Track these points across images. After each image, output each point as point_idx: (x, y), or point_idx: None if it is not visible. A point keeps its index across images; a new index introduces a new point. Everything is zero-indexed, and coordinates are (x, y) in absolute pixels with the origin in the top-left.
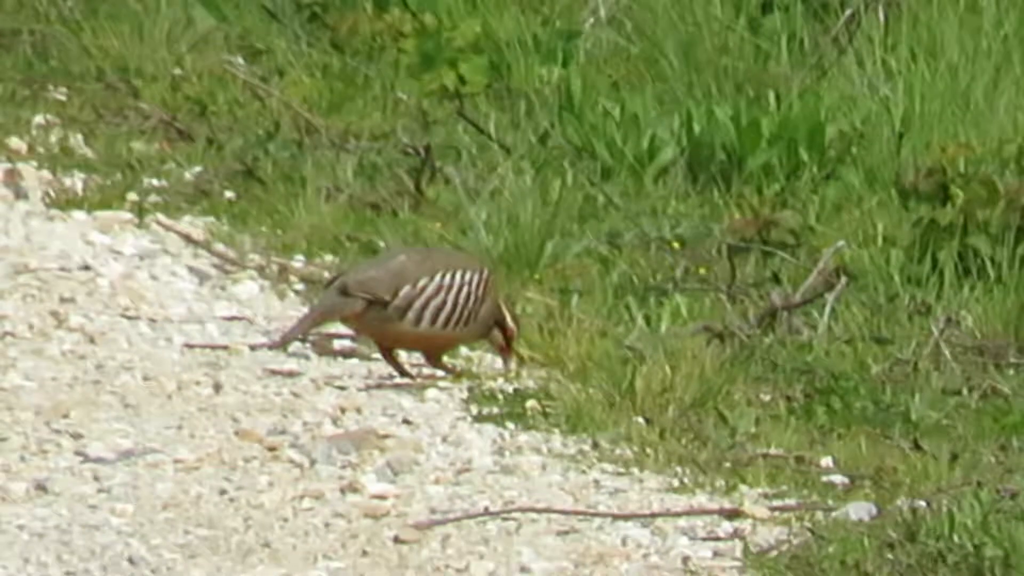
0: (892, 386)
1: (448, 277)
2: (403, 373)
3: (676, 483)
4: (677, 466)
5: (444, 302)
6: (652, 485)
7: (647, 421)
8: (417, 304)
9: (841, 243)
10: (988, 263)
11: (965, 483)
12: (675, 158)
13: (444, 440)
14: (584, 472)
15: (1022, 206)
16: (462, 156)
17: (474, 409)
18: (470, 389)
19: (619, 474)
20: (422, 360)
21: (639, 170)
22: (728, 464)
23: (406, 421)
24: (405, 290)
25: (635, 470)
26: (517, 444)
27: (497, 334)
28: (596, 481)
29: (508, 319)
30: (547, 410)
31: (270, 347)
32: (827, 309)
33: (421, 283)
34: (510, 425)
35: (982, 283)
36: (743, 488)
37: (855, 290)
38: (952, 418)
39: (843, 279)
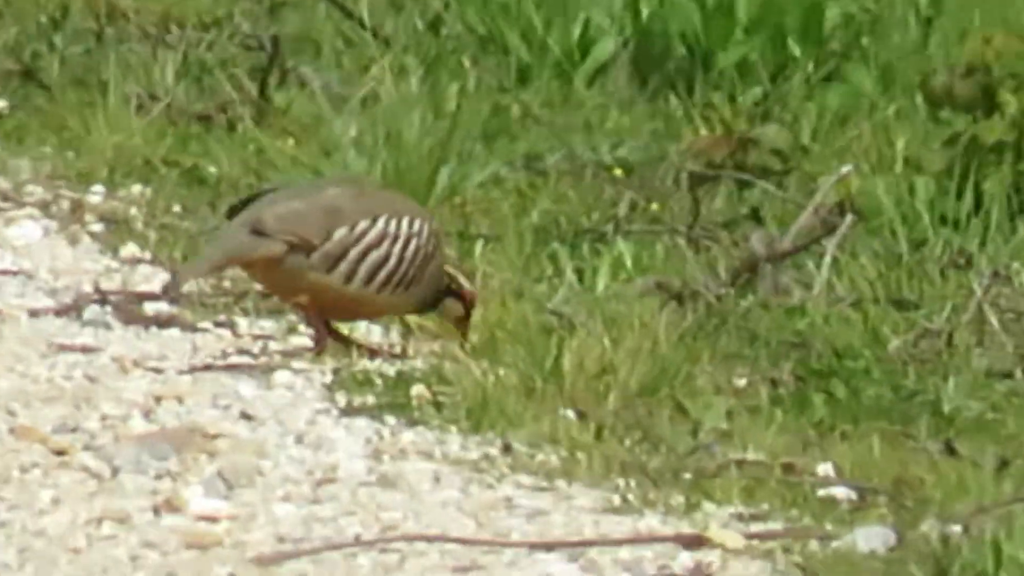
0: (917, 367)
1: (394, 224)
2: (351, 344)
3: (617, 500)
4: (619, 477)
5: (387, 255)
6: (584, 503)
7: (579, 415)
8: (353, 254)
9: (847, 168)
10: None
11: (1016, 499)
12: (616, 52)
13: (298, 441)
14: (491, 486)
15: None
16: (322, 50)
17: (340, 398)
18: (335, 371)
19: (539, 489)
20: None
21: (567, 69)
22: (688, 474)
23: (245, 415)
24: (340, 233)
25: (561, 483)
26: (400, 446)
27: (453, 304)
28: (508, 498)
29: (463, 281)
30: (440, 399)
31: (169, 298)
32: (826, 260)
33: (360, 227)
34: (390, 420)
35: None
36: (709, 507)
37: (865, 234)
38: (999, 410)
39: (849, 218)
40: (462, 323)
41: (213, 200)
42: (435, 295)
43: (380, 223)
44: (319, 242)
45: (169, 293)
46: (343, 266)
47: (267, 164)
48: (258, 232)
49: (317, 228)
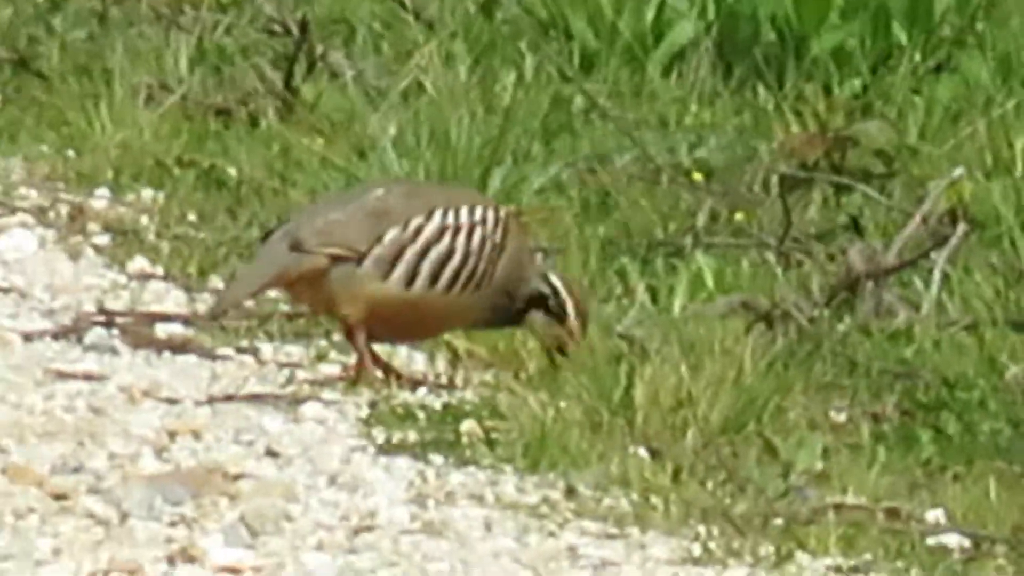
0: None
1: (452, 215)
2: (395, 375)
3: (697, 550)
4: (699, 524)
5: (450, 250)
6: (659, 553)
7: (652, 453)
8: (410, 254)
9: (959, 171)
10: None
11: None
12: (697, 37)
13: (331, 482)
14: (552, 534)
15: None
16: (357, 35)
17: (378, 434)
18: (371, 403)
19: (608, 537)
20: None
21: (639, 56)
22: (779, 521)
23: (271, 452)
24: (392, 234)
25: (633, 530)
26: (447, 489)
27: (545, 320)
28: (571, 548)
29: (559, 285)
30: (494, 436)
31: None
32: (936, 276)
33: (415, 223)
34: (436, 459)
35: None
36: (802, 558)
37: (981, 246)
38: None
39: (961, 228)
40: (562, 342)
41: (233, 206)
42: (516, 303)
43: (437, 216)
44: (367, 248)
45: (213, 318)
46: (400, 268)
47: (293, 165)
48: (297, 249)
49: (362, 234)
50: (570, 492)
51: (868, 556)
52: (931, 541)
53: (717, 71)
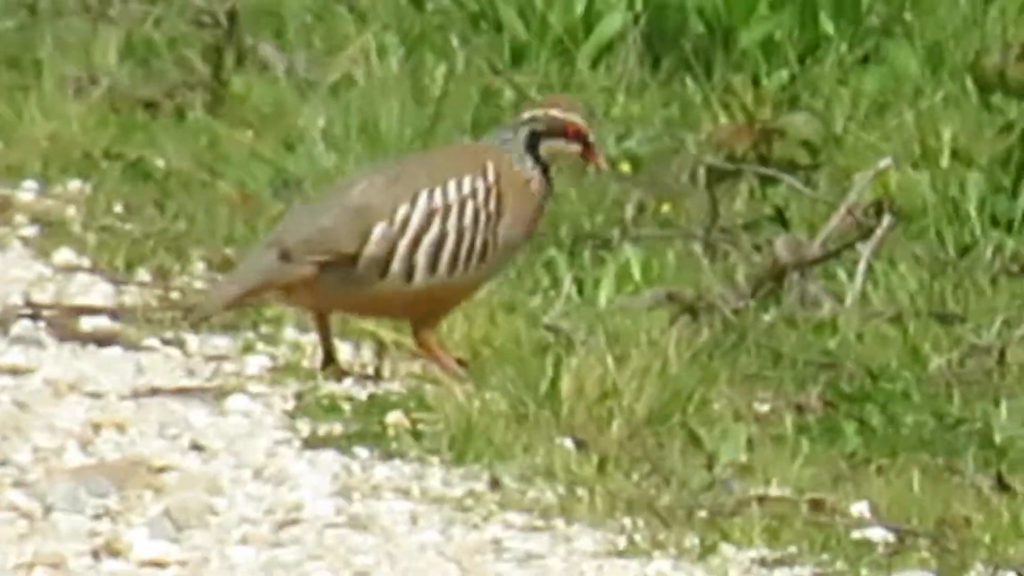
0: (963, 390)
1: (439, 195)
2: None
3: (622, 542)
4: (624, 516)
5: (442, 233)
6: (585, 546)
7: (578, 445)
8: (402, 248)
9: (886, 161)
10: None
11: None
12: (625, 29)
13: (256, 475)
14: (477, 527)
15: None
16: (287, 27)
17: (304, 427)
18: (297, 395)
19: (533, 529)
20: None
21: (569, 48)
22: (703, 513)
23: (196, 446)
24: (378, 231)
25: (558, 522)
26: (372, 482)
27: (558, 145)
28: (496, 541)
29: (562, 118)
30: (420, 428)
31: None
32: (861, 268)
33: (401, 214)
34: (361, 452)
35: None
36: (727, 550)
37: (906, 237)
38: None
39: (887, 220)
40: (589, 153)
41: (160, 198)
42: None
43: (422, 201)
44: (356, 249)
45: (191, 321)
46: (396, 265)
47: (221, 158)
48: (286, 259)
49: (348, 236)
50: (495, 484)
51: (792, 548)
52: (855, 534)
53: (645, 63)
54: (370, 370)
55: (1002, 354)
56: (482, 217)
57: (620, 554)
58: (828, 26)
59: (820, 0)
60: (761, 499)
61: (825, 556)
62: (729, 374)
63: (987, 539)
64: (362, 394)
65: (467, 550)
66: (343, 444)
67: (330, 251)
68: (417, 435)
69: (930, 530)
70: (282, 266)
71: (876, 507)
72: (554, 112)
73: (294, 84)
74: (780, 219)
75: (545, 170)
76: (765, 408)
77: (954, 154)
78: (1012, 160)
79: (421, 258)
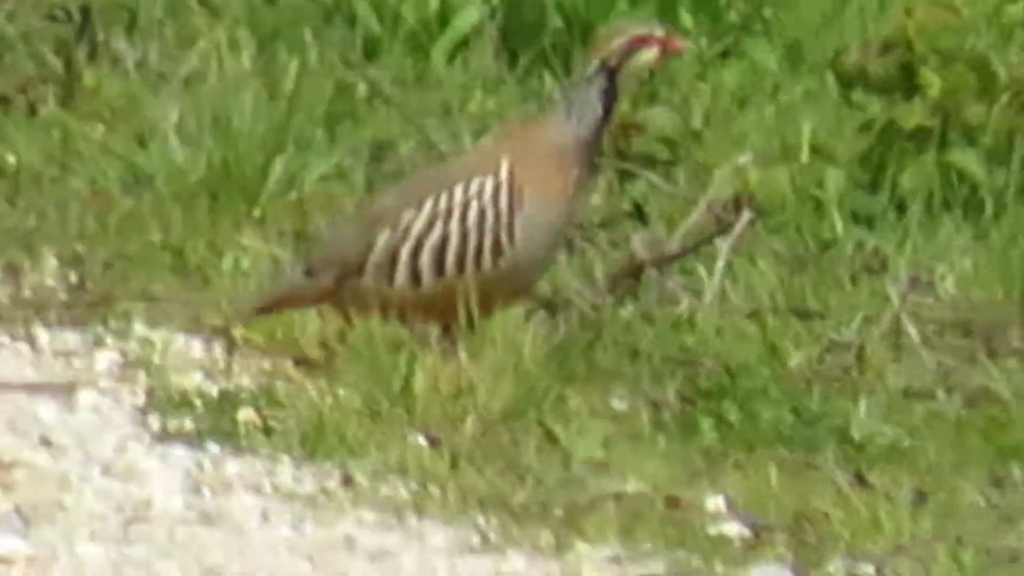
0: (822, 386)
1: (444, 199)
2: None
3: (476, 539)
4: (478, 513)
5: (444, 236)
6: (438, 542)
7: (431, 442)
8: (404, 254)
9: (745, 158)
10: (981, 191)
11: (937, 538)
12: (482, 23)
13: (106, 471)
14: (329, 523)
15: None
16: (139, 21)
17: (154, 422)
18: (148, 391)
19: (385, 526)
20: None
21: (424, 43)
22: (559, 509)
23: (45, 442)
24: (383, 238)
25: (411, 519)
26: (223, 478)
27: (641, 60)
28: (349, 537)
29: (624, 40)
30: (271, 424)
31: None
32: (720, 264)
33: (405, 220)
34: (212, 448)
35: (970, 223)
36: (582, 547)
37: (766, 233)
38: (917, 436)
39: (746, 215)
40: (668, 47)
41: (11, 194)
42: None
43: (427, 206)
44: (361, 258)
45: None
46: (401, 269)
47: (74, 153)
48: (310, 275)
49: (357, 245)
50: (347, 481)
51: (648, 544)
52: (711, 529)
53: (502, 57)
54: (220, 366)
55: (861, 350)
56: (489, 215)
57: (473, 551)
58: (687, 21)
59: None
60: (617, 496)
61: (681, 552)
62: (585, 371)
63: (845, 534)
64: (213, 390)
65: (319, 546)
66: (194, 440)
67: (341, 263)
68: (269, 431)
69: (787, 524)
70: (305, 280)
71: (732, 502)
72: (616, 42)
73: (146, 79)
74: (639, 214)
75: (608, 114)
76: (621, 405)
77: (814, 150)
78: (872, 156)
79: (424, 262)
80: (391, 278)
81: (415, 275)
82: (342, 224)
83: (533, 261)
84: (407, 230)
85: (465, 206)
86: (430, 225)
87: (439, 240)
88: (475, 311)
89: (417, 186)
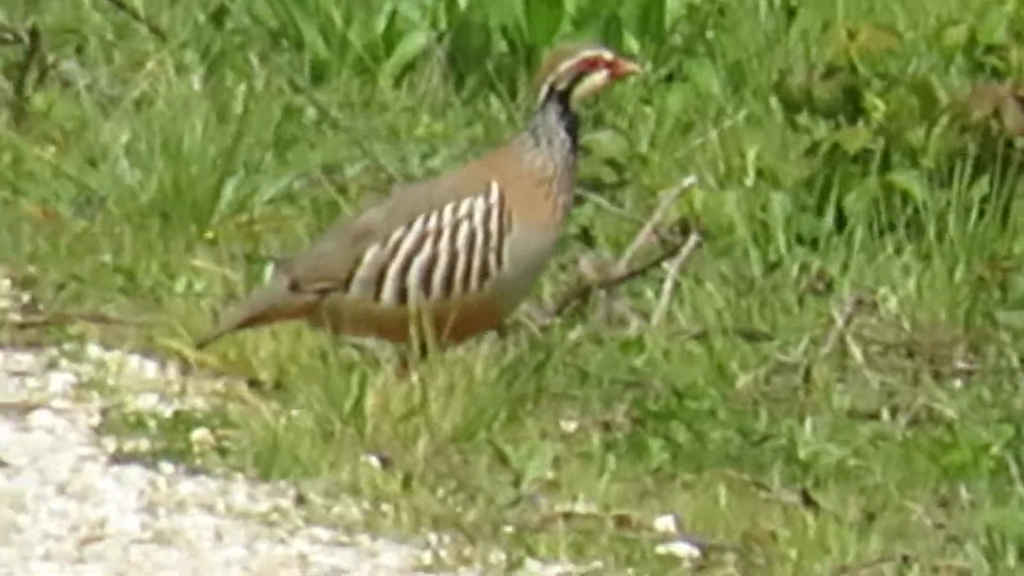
0: (769, 407)
1: (434, 219)
2: None
3: (428, 558)
4: (430, 532)
5: (433, 256)
6: (390, 561)
7: (383, 462)
8: (392, 271)
9: (690, 181)
10: (923, 213)
11: (884, 558)
12: (428, 47)
13: (61, 491)
14: (283, 542)
15: (976, 123)
16: (89, 44)
17: (109, 443)
18: (102, 411)
19: (338, 544)
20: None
21: (371, 66)
22: (509, 528)
23: (0, 462)
24: (371, 254)
25: (363, 538)
26: (177, 498)
27: (591, 84)
28: (302, 556)
29: (574, 62)
30: (225, 444)
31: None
32: (667, 286)
33: (395, 237)
34: (167, 468)
35: (914, 245)
36: (532, 566)
37: (712, 256)
38: (863, 456)
39: (693, 238)
40: (617, 70)
41: None
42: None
43: (417, 224)
44: (348, 274)
45: (199, 346)
46: (388, 286)
47: (24, 175)
48: (295, 288)
49: (344, 260)
50: (301, 500)
51: (598, 563)
52: (661, 549)
53: (449, 81)
54: (175, 387)
55: (808, 371)
56: (479, 238)
57: (426, 569)
58: (632, 44)
59: (624, 18)
60: (567, 515)
61: (630, 571)
62: (536, 392)
63: (793, 554)
64: (167, 411)
65: (272, 565)
66: (149, 460)
67: (327, 277)
68: (223, 451)
69: (736, 545)
70: (288, 294)
71: (682, 522)
72: (563, 65)
73: (96, 101)
74: (585, 237)
75: (574, 137)
76: (572, 426)
77: (759, 173)
78: (817, 179)
79: (412, 280)
80: (377, 294)
81: (401, 292)
82: (326, 239)
83: (516, 286)
84: (396, 247)
85: (455, 227)
86: (420, 243)
87: (428, 259)
88: (452, 335)
89: (405, 204)
